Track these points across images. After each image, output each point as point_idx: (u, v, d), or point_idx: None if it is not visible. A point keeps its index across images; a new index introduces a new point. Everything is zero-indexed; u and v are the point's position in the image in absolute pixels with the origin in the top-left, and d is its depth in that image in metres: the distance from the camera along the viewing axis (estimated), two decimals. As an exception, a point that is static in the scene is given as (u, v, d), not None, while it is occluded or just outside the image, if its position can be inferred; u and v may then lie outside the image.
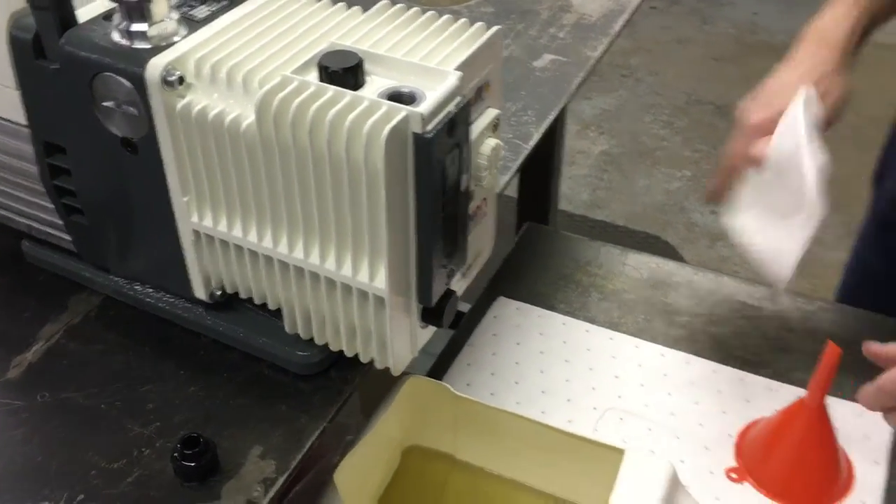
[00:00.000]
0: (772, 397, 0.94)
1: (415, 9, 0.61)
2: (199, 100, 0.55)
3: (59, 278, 0.72)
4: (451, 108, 0.53)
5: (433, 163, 0.52)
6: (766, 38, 2.68)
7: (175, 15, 0.57)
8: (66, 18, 0.57)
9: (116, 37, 0.57)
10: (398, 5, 0.61)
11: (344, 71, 0.53)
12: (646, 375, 0.95)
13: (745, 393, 0.94)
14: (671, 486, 0.69)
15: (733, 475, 0.81)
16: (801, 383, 0.95)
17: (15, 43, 0.58)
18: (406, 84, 0.54)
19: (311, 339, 0.63)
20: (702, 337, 0.99)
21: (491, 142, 0.59)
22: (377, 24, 0.60)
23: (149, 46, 0.56)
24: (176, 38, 0.57)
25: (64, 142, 0.62)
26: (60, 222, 0.67)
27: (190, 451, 0.57)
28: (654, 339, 0.98)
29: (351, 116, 0.51)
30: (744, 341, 0.99)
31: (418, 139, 0.51)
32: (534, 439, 0.76)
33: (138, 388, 0.64)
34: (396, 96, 0.53)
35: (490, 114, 0.60)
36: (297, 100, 0.52)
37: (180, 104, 0.55)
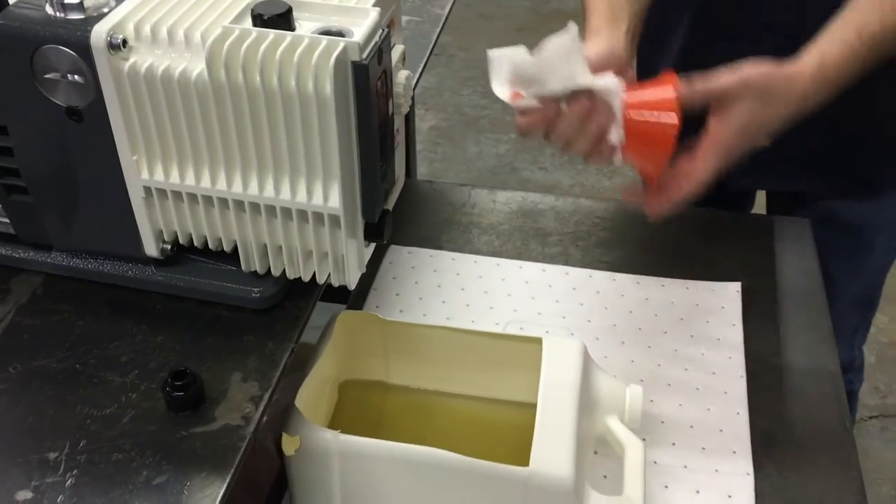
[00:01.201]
0: (640, 290, 1.07)
1: None
2: (144, 59, 0.60)
3: (-9, 267, 0.74)
4: (377, 38, 0.61)
5: (371, 87, 0.60)
6: (558, 6, 2.89)
7: (104, -12, 0.62)
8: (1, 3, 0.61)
9: (50, 11, 0.61)
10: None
11: (277, 17, 0.60)
12: (533, 290, 1.06)
13: (618, 289, 1.07)
14: (586, 359, 0.80)
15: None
16: (662, 274, 1.09)
17: (-51, 29, 0.61)
18: (332, 23, 0.62)
19: (262, 276, 0.69)
20: (572, 251, 1.11)
21: (404, 72, 0.67)
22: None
23: (84, 17, 0.60)
24: (106, 9, 0.62)
25: (4, 120, 0.65)
26: (-2, 208, 0.70)
27: (180, 383, 0.62)
28: (534, 260, 1.09)
29: (297, 52, 0.58)
30: (607, 248, 1.12)
31: (357, 66, 0.59)
32: (460, 348, 0.85)
33: (107, 346, 0.67)
34: (328, 33, 0.61)
35: (398, 48, 0.68)
36: (245, 45, 0.58)
37: (127, 65, 0.60)
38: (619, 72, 0.71)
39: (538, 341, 0.82)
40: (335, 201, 0.63)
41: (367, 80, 0.59)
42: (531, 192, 1.21)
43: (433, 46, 1.00)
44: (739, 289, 1.03)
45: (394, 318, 0.92)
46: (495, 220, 1.13)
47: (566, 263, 1.10)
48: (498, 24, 2.88)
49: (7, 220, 0.71)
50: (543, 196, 1.19)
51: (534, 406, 0.75)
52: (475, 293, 1.04)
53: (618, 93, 0.68)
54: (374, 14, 0.61)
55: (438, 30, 1.03)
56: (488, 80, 0.70)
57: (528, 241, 1.12)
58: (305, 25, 0.62)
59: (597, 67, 0.70)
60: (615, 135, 0.70)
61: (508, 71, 0.69)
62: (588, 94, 0.69)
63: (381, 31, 0.62)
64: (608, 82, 0.68)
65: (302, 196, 0.63)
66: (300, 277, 0.69)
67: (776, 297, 1.00)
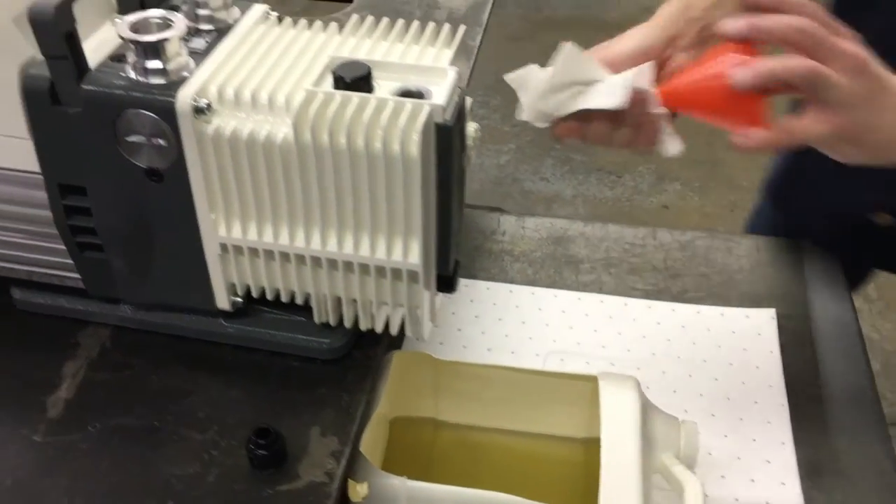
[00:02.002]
0: (675, 317, 1.09)
1: (385, 19, 0.69)
2: (227, 122, 0.61)
3: (56, 319, 0.74)
4: (456, 98, 0.62)
5: (453, 147, 0.61)
6: (549, 14, 2.91)
7: (184, 50, 0.62)
8: (81, 64, 0.61)
9: (133, 75, 0.61)
10: (369, 18, 0.69)
11: (358, 79, 0.61)
12: (570, 319, 1.08)
13: (654, 317, 1.08)
14: (642, 396, 0.81)
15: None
16: (696, 300, 1.11)
17: (30, 93, 0.61)
18: (410, 83, 0.62)
19: (332, 326, 0.70)
20: (606, 278, 1.12)
21: (472, 124, 0.68)
22: (360, 35, 0.67)
23: (165, 81, 0.61)
24: (186, 72, 0.62)
25: (83, 182, 0.65)
26: (67, 261, 0.70)
27: (264, 441, 0.63)
28: (568, 288, 1.11)
29: (383, 116, 0.59)
30: (640, 275, 1.14)
31: (441, 128, 0.60)
32: (511, 385, 0.86)
33: (183, 402, 0.68)
34: (408, 94, 0.61)
35: (468, 100, 0.69)
36: (331, 109, 0.59)
37: (211, 129, 0.61)
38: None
39: (592, 379, 0.83)
40: (415, 258, 0.64)
41: (450, 141, 0.60)
42: (558, 217, 1.22)
43: (472, 72, 1.01)
44: (774, 315, 1.05)
45: (434, 349, 0.93)
46: (527, 247, 1.14)
47: (600, 291, 1.11)
48: (491, 32, 2.89)
49: (76, 276, 0.71)
50: (571, 222, 1.21)
51: (586, 441, 0.76)
52: (513, 323, 1.05)
53: (642, 73, 0.68)
54: (452, 74, 0.62)
55: (472, 62, 1.04)
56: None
57: (561, 268, 1.14)
58: (384, 85, 0.62)
59: (627, 62, 0.70)
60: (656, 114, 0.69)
61: (530, 91, 0.70)
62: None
63: (459, 90, 0.62)
64: (629, 72, 0.68)
65: (381, 252, 0.64)
66: (372, 328, 0.70)
67: (810, 324, 1.02)
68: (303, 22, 0.69)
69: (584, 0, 2.94)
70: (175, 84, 0.61)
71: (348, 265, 0.65)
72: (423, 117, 0.58)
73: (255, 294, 0.70)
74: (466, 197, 0.71)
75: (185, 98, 0.60)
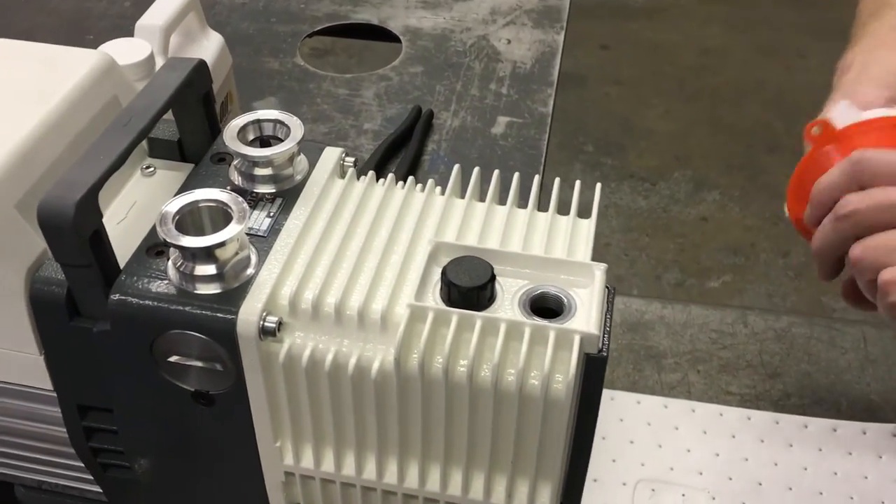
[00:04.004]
0: (779, 433, 0.95)
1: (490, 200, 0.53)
2: (304, 343, 0.46)
3: (72, 522, 0.59)
4: (607, 314, 0.47)
5: (602, 379, 0.46)
6: (576, 1, 2.69)
7: (246, 247, 0.47)
8: (109, 270, 0.45)
9: (177, 279, 0.46)
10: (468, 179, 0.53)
11: (478, 289, 0.45)
12: (658, 434, 0.93)
13: (755, 431, 0.94)
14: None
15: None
16: (798, 410, 0.96)
17: (40, 303, 0.46)
18: (540, 282, 0.47)
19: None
20: (693, 378, 0.98)
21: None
22: (458, 208, 0.52)
23: (220, 290, 0.45)
24: (250, 271, 0.47)
25: (107, 403, 0.50)
26: (87, 477, 0.55)
27: None
28: (651, 391, 0.96)
29: (522, 351, 0.44)
30: (733, 374, 0.99)
31: (592, 360, 0.45)
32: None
33: None
34: (541, 301, 0.46)
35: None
36: (449, 336, 0.44)
37: (282, 352, 0.46)
38: None
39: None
40: (545, 502, 0.49)
41: (602, 372, 0.46)
42: (632, 297, 1.07)
43: (545, 164, 0.85)
44: (895, 431, 0.91)
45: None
46: (600, 338, 1.00)
47: (689, 395, 0.97)
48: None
49: (98, 490, 0.56)
50: (648, 303, 1.06)
51: None
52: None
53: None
54: (599, 274, 0.47)
55: (546, 137, 0.88)
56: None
57: (641, 365, 0.99)
58: (507, 284, 0.47)
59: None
60: None
61: None
62: None
63: (608, 294, 0.47)
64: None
65: (499, 497, 0.49)
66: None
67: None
68: (387, 180, 0.53)
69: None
70: (233, 295, 0.45)
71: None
72: (573, 353, 0.43)
73: (326, 519, 0.55)
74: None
75: (248, 317, 0.44)
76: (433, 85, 0.94)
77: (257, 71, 0.95)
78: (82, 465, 0.54)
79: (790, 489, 0.88)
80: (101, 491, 0.57)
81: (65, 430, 0.51)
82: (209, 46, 0.77)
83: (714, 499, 0.88)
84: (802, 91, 2.28)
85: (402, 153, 0.85)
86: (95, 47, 0.66)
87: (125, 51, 0.64)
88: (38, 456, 0.54)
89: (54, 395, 0.50)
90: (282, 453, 0.50)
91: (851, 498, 0.88)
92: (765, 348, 1.00)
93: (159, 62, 0.66)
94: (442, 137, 0.88)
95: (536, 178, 0.54)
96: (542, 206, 0.53)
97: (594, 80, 2.42)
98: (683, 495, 0.88)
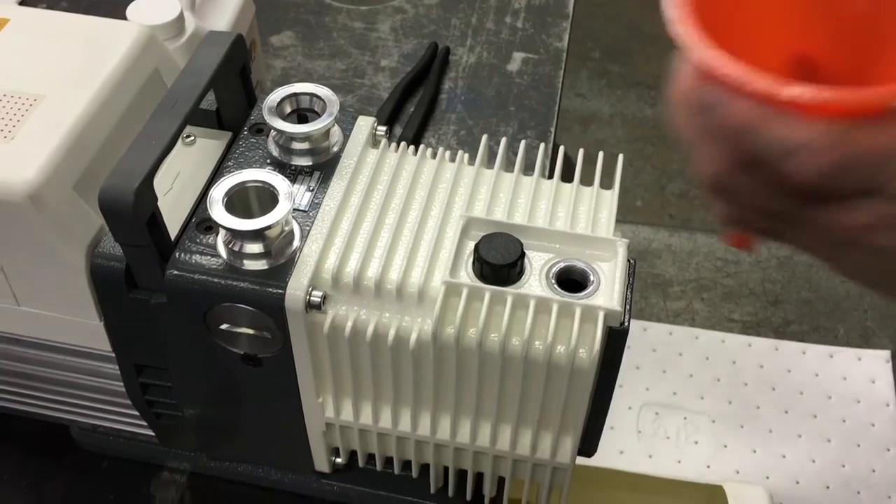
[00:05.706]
0: (779, 358, 0.99)
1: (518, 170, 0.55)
2: (347, 315, 0.49)
3: (123, 461, 0.64)
4: (630, 287, 0.50)
5: (623, 348, 0.50)
6: None
7: (290, 223, 0.50)
8: (165, 248, 0.48)
9: (226, 256, 0.49)
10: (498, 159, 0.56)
11: (508, 266, 0.49)
12: (662, 360, 0.98)
13: (755, 357, 0.99)
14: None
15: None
16: (797, 336, 1.01)
17: (101, 277, 0.49)
18: (566, 257, 0.50)
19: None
20: (698, 305, 1.02)
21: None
22: (486, 179, 0.54)
23: (268, 266, 0.49)
24: (294, 245, 0.50)
25: (163, 363, 0.54)
26: (140, 422, 0.60)
27: None
28: (657, 318, 1.00)
29: (550, 325, 0.47)
30: (736, 302, 1.03)
31: (614, 333, 0.48)
32: (632, 489, 0.78)
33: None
34: (567, 274, 0.50)
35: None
36: (483, 311, 0.48)
37: (326, 323, 0.49)
38: None
39: (717, 488, 0.75)
40: (565, 455, 0.54)
41: (623, 343, 0.49)
42: (640, 224, 1.10)
43: (559, 101, 0.87)
44: (889, 358, 0.96)
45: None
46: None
47: (693, 322, 1.01)
48: None
49: (150, 433, 0.61)
50: (655, 231, 1.09)
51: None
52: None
53: None
54: (622, 250, 0.50)
55: (561, 74, 0.89)
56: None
57: (648, 292, 1.03)
58: (535, 258, 0.50)
59: None
60: None
61: None
62: None
63: (629, 267, 0.51)
64: None
65: (524, 449, 0.54)
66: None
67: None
68: (418, 151, 0.56)
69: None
70: (280, 270, 0.48)
71: (480, 452, 0.55)
72: (598, 328, 0.47)
73: (361, 462, 0.60)
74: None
75: (295, 292, 0.48)
76: (448, 18, 0.95)
77: (273, 3, 0.95)
78: (136, 412, 0.58)
79: (786, 412, 0.93)
80: (152, 434, 0.61)
81: (121, 384, 0.55)
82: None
83: (714, 422, 0.93)
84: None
85: (419, 92, 0.87)
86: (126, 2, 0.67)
87: (155, 8, 0.65)
88: (96, 405, 0.59)
89: (112, 354, 0.54)
90: (323, 407, 0.55)
91: (844, 420, 0.94)
92: (767, 276, 1.04)
93: (188, 19, 0.68)
94: (458, 75, 0.89)
95: (562, 149, 0.56)
96: (566, 175, 0.55)
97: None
98: (685, 418, 0.93)
